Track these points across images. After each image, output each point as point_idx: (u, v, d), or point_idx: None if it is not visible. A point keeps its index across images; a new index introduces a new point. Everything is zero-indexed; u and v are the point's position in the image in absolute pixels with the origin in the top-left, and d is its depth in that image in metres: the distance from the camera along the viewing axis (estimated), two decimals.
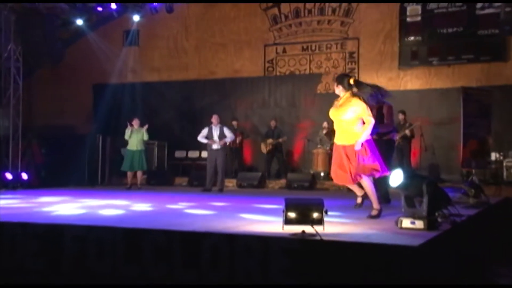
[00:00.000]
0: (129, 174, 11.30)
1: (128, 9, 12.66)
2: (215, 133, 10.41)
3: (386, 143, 7.36)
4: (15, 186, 11.06)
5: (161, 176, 12.81)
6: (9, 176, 11.18)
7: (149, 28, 14.49)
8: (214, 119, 10.56)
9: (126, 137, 11.10)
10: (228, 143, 10.85)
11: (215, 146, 10.36)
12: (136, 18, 13.20)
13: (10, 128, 11.91)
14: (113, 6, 12.28)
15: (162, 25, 14.43)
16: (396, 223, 5.03)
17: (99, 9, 12.44)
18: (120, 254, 4.63)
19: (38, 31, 11.66)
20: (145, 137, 11.21)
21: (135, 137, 11.14)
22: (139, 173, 11.34)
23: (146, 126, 11.18)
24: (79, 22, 13.07)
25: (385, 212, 6.04)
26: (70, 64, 14.75)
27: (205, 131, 10.51)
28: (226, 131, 10.48)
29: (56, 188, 10.91)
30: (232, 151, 13.02)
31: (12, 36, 11.87)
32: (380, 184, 6.83)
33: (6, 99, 11.98)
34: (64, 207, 7.13)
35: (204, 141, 10.49)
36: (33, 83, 14.96)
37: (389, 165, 6.88)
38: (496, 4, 11.27)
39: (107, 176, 13.09)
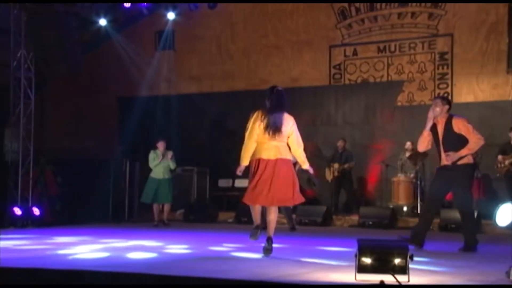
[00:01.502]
0: (156, 207, 11.59)
1: (162, 6, 12.99)
2: None
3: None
4: (25, 224, 11.27)
5: (201, 210, 12.92)
6: (18, 211, 11.35)
7: (187, 28, 14.81)
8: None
9: (153, 163, 11.48)
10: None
11: None
12: (171, 16, 13.51)
13: (20, 153, 11.93)
14: (144, 3, 12.65)
15: (202, 24, 14.72)
16: (508, 274, 4.90)
17: (127, 5, 12.81)
18: None
19: (53, 34, 11.98)
20: (172, 166, 11.57)
21: (161, 163, 11.45)
22: (167, 207, 11.62)
23: (171, 154, 11.55)
24: (102, 22, 13.47)
25: (491, 259, 5.89)
26: (91, 73, 15.22)
27: None
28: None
29: (74, 226, 11.20)
30: None
31: (23, 40, 11.98)
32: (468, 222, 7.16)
33: (15, 118, 12.03)
34: (84, 249, 7.30)
35: None
36: (47, 97, 15.50)
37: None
38: None
39: (136, 210, 13.31)
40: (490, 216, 10.11)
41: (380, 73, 13.66)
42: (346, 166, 12.61)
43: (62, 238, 8.78)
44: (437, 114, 7.38)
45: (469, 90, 12.75)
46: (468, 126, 7.25)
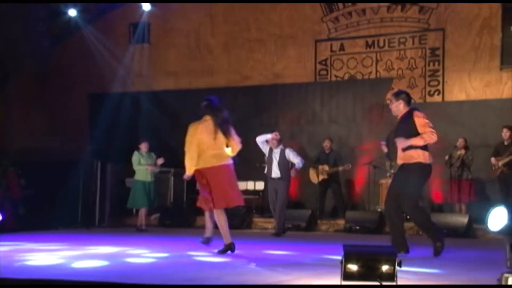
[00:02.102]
0: (142, 211, 11.65)
1: None
2: (274, 158, 10.63)
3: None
4: None
5: (178, 214, 12.92)
6: None
7: (163, 20, 14.80)
8: (275, 137, 10.75)
9: (136, 165, 11.53)
10: (297, 172, 11.06)
11: (275, 175, 10.62)
12: (146, 7, 13.50)
13: None
14: None
15: (180, 16, 14.72)
16: (500, 280, 4.98)
17: None
18: None
19: (18, 25, 11.86)
20: (157, 170, 11.79)
21: (145, 164, 11.55)
22: (144, 211, 11.70)
23: (161, 161, 11.75)
24: (72, 13, 13.39)
25: (483, 265, 5.97)
26: (60, 68, 15.14)
27: (266, 148, 10.82)
28: (291, 155, 10.66)
29: (39, 231, 11.10)
30: None
31: None
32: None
33: None
34: (49, 256, 7.25)
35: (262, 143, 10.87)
36: (10, 94, 15.38)
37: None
38: None
39: (107, 215, 13.27)
40: (482, 220, 10.24)
41: (368, 69, 13.74)
42: (341, 168, 12.61)
43: (25, 244, 8.71)
44: (395, 113, 7.53)
45: (461, 88, 12.88)
46: (425, 120, 7.29)
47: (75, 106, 15.58)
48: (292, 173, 10.74)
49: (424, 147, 7.27)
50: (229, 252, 7.42)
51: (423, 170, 7.33)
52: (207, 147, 7.61)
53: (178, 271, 6.06)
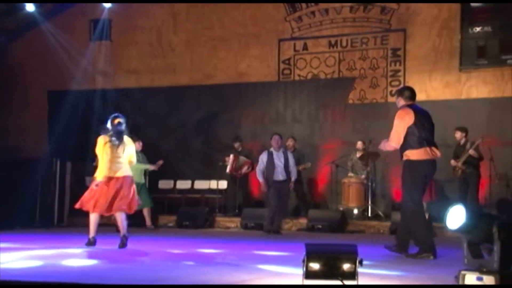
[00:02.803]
0: (145, 211, 11.56)
1: None
2: (279, 160, 10.65)
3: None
4: None
5: (138, 213, 12.82)
6: None
7: (125, 17, 14.70)
8: (275, 141, 10.76)
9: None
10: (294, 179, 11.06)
11: (280, 177, 10.64)
12: (107, 4, 13.40)
13: None
14: None
15: (142, 14, 14.65)
16: (457, 278, 5.08)
17: None
18: None
19: None
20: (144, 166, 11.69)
21: (136, 165, 11.23)
22: (147, 210, 11.60)
23: (161, 162, 12.01)
24: (30, 8, 13.19)
25: (441, 263, 6.07)
26: (18, 64, 14.94)
27: (264, 158, 10.76)
28: (291, 159, 10.77)
29: None
30: (235, 181, 13.08)
31: None
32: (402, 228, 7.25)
33: None
34: (7, 257, 7.17)
35: (261, 179, 10.85)
36: None
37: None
38: None
39: (66, 214, 13.15)
40: (441, 219, 10.42)
41: (331, 69, 13.83)
42: (301, 167, 12.67)
43: None
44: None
45: (422, 88, 12.99)
46: (395, 121, 7.23)
47: (34, 104, 15.40)
48: (291, 185, 10.89)
49: (415, 144, 7.09)
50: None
51: (412, 168, 7.16)
52: None
53: (134, 270, 6.07)
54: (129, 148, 8.29)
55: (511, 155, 11.94)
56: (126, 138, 8.27)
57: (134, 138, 11.42)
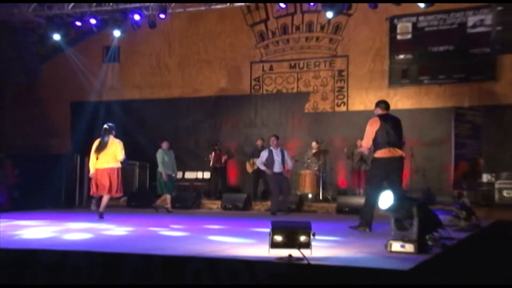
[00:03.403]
0: (167, 197, 11.08)
1: (108, 25, 12.66)
2: (277, 157, 10.38)
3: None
4: None
5: (142, 198, 12.76)
6: None
7: (130, 44, 14.57)
8: (271, 141, 10.56)
9: (161, 160, 10.91)
10: (289, 170, 10.77)
11: (278, 169, 10.34)
12: (116, 33, 13.20)
13: None
14: (93, 21, 12.31)
15: (144, 41, 14.52)
16: (386, 246, 5.12)
17: (78, 24, 12.44)
18: (97, 280, 4.61)
19: (13, 47, 11.59)
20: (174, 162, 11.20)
21: (170, 160, 11.01)
22: (168, 196, 11.13)
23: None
24: (57, 37, 13.01)
25: (375, 235, 6.13)
26: (47, 81, 14.74)
27: (264, 155, 10.52)
28: (287, 156, 10.49)
29: (30, 211, 10.82)
30: (217, 172, 13.06)
31: None
32: (368, 209, 7.11)
33: None
34: (38, 231, 7.09)
35: (263, 167, 10.54)
36: (7, 101, 14.90)
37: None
38: (487, 23, 11.56)
39: (85, 197, 13.01)
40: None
41: (291, 85, 13.86)
42: None
43: (19, 221, 8.47)
44: None
45: (360, 101, 13.14)
46: (366, 127, 7.24)
47: (60, 112, 15.19)
48: (285, 172, 10.53)
49: (381, 145, 7.03)
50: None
51: (374, 163, 7.22)
52: None
53: (141, 242, 6.03)
54: (113, 146, 8.93)
55: (426, 153, 12.09)
56: (112, 139, 8.94)
57: (162, 139, 11.30)
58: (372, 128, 7.11)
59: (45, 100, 15.24)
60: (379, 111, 7.30)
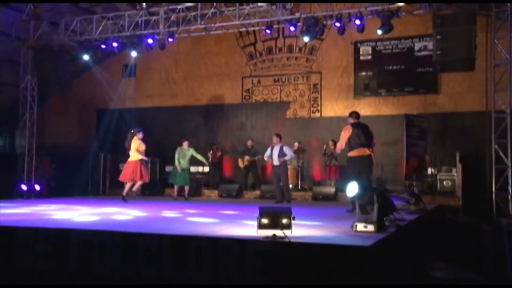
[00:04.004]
0: (175, 187, 10.92)
1: (127, 46, 12.56)
2: (275, 152, 10.10)
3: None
4: (29, 196, 11.00)
5: (153, 187, 12.68)
6: (24, 187, 11.20)
7: (144, 62, 14.43)
8: (273, 139, 10.33)
9: (177, 156, 10.73)
10: (288, 161, 10.33)
11: (275, 163, 10.04)
12: (133, 54, 13.04)
13: (26, 147, 11.93)
14: (115, 44, 12.21)
15: (155, 60, 14.40)
16: (352, 227, 5.13)
17: (103, 46, 12.34)
18: (118, 255, 4.57)
19: (51, 65, 11.77)
20: (198, 156, 10.98)
21: (185, 156, 10.82)
22: (186, 188, 10.93)
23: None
24: (86, 57, 12.87)
25: (344, 218, 6.13)
26: (78, 92, 14.58)
27: (268, 151, 10.31)
28: (286, 149, 10.09)
29: (63, 197, 10.75)
30: (214, 166, 12.99)
31: (29, 69, 12.03)
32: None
33: (23, 122, 12.09)
34: (70, 214, 7.02)
35: (267, 159, 10.39)
36: (45, 109, 14.76)
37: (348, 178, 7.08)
38: (430, 48, 11.63)
39: (107, 187, 12.94)
40: (343, 190, 10.50)
41: (275, 96, 13.80)
42: (256, 158, 12.55)
43: (55, 205, 8.40)
44: None
45: (331, 109, 13.13)
46: (341, 133, 7.32)
47: (88, 117, 15.05)
48: (281, 160, 10.03)
49: (354, 147, 7.10)
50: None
51: (348, 161, 7.32)
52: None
53: (151, 223, 5.98)
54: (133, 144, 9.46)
55: (384, 151, 12.05)
56: (134, 139, 9.44)
57: (183, 138, 11.17)
58: (345, 134, 7.26)
59: (76, 108, 15.13)
60: (351, 120, 7.45)
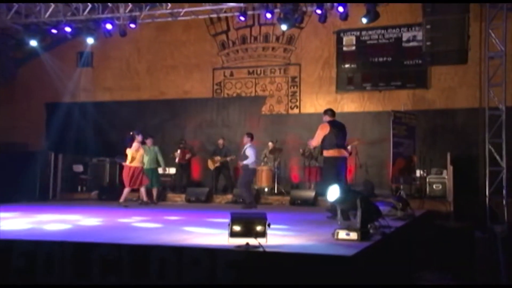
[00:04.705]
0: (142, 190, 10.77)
1: (82, 32, 12.32)
2: (242, 153, 10.20)
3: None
4: None
5: (112, 191, 12.46)
6: None
7: (102, 50, 14.22)
8: (244, 138, 10.36)
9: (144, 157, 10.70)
10: (251, 165, 10.19)
11: (241, 163, 10.12)
12: (90, 40, 12.84)
13: None
14: (68, 29, 11.94)
15: (115, 48, 14.19)
16: (333, 234, 5.14)
17: (54, 31, 12.06)
18: (69, 268, 4.46)
19: None
20: (159, 157, 11.14)
21: (149, 155, 10.82)
22: (154, 190, 10.92)
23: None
24: (33, 43, 12.59)
25: (324, 225, 6.15)
26: (23, 82, 14.27)
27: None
28: (248, 151, 10.06)
29: (5, 203, 10.40)
30: (182, 167, 12.88)
31: None
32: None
33: None
34: (13, 222, 6.81)
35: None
36: None
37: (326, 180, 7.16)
38: (419, 39, 11.84)
39: (58, 191, 12.66)
40: (324, 194, 10.56)
41: (250, 89, 13.82)
42: (228, 159, 12.50)
43: None
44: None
45: (311, 104, 13.22)
46: (317, 130, 7.55)
47: (35, 111, 14.70)
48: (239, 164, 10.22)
49: (329, 146, 7.34)
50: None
51: (325, 161, 7.54)
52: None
53: (110, 232, 5.88)
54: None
55: (368, 151, 12.26)
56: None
57: (148, 135, 11.13)
58: (322, 132, 7.49)
59: (21, 100, 14.74)
60: (327, 118, 7.68)
